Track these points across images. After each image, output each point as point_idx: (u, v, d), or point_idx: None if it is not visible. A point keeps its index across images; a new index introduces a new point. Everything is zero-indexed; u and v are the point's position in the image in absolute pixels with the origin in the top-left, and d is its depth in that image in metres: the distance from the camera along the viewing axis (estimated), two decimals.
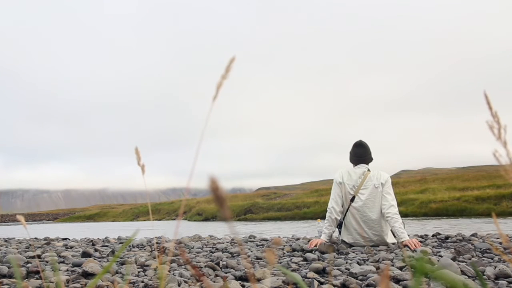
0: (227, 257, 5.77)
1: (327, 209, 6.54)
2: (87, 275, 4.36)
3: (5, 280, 4.13)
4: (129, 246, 7.47)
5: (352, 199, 6.47)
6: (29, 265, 5.01)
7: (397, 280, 3.89)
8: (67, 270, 4.85)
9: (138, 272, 4.70)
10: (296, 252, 6.11)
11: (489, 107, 1.19)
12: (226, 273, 4.55)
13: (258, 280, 3.99)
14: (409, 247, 5.87)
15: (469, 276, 3.96)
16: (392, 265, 4.60)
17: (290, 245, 6.53)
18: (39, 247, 7.57)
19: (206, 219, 44.85)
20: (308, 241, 6.82)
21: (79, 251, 6.88)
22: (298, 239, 8.26)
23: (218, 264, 4.87)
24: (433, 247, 6.34)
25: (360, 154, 6.67)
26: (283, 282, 3.85)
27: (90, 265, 4.47)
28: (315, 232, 7.67)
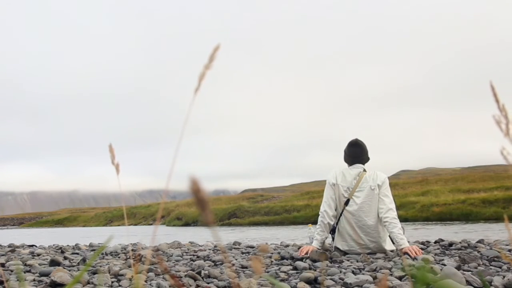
0: (209, 266, 5.76)
1: (319, 213, 6.53)
2: (56, 285, 4.34)
3: None
4: (102, 254, 7.45)
5: (346, 202, 6.45)
6: None
7: None
8: (34, 280, 4.83)
9: (112, 282, 4.68)
10: (285, 260, 6.10)
11: (495, 99, 1.18)
12: (208, 283, 4.54)
13: None
14: (409, 255, 5.87)
15: (475, 287, 3.97)
16: (391, 275, 4.61)
17: (279, 253, 6.53)
18: (2, 255, 7.53)
19: (186, 224, 44.86)
20: (298, 248, 6.81)
21: (47, 259, 6.84)
22: (287, 246, 8.26)
23: (199, 273, 4.85)
24: (435, 254, 6.35)
25: (356, 154, 6.66)
26: None
27: (59, 274, 4.45)
28: (306, 238, 7.68)
